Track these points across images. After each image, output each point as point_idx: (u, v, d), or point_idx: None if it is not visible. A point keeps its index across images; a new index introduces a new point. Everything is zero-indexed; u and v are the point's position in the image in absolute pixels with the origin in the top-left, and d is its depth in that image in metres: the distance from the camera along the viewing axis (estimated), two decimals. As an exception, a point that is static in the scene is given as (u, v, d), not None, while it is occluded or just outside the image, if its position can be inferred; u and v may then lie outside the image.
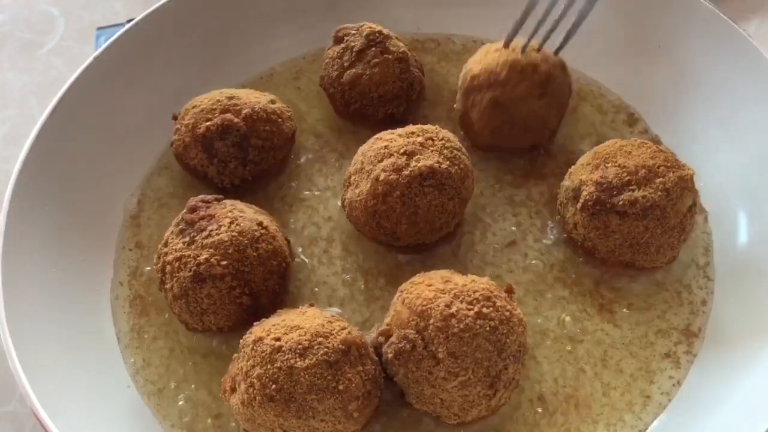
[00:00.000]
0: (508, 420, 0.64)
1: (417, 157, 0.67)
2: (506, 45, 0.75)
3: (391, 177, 0.66)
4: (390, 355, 0.59)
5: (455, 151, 0.69)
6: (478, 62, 0.76)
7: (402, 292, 0.62)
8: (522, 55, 0.73)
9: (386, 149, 0.68)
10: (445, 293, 0.59)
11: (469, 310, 0.57)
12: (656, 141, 0.80)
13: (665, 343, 0.68)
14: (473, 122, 0.76)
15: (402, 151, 0.67)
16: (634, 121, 0.82)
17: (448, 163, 0.67)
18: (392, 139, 0.69)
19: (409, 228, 0.68)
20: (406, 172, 0.66)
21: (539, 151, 0.79)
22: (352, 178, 0.71)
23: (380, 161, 0.68)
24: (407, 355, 0.58)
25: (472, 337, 0.56)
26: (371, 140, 0.71)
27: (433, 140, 0.69)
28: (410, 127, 0.71)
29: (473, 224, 0.76)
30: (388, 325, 0.61)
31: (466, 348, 0.56)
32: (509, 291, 0.62)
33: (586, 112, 0.83)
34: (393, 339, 0.59)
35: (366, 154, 0.70)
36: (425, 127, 0.71)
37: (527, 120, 0.74)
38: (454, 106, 0.81)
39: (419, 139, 0.69)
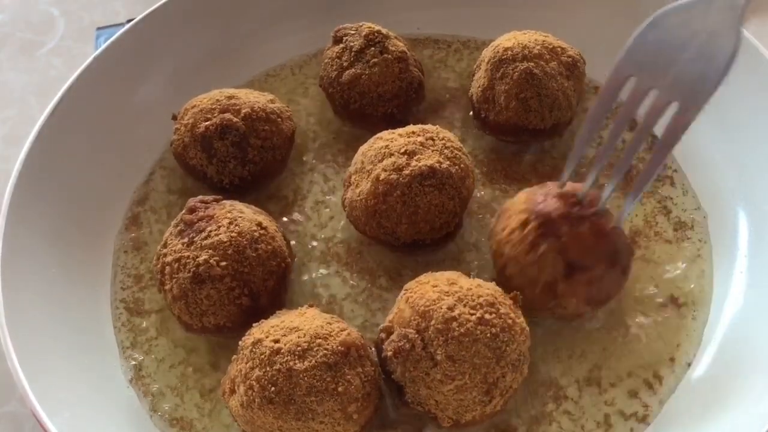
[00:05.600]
0: (509, 419, 0.65)
1: (417, 156, 0.67)
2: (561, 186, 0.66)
3: (392, 176, 0.66)
4: (389, 353, 0.59)
5: (456, 151, 0.69)
6: (509, 39, 0.76)
7: (407, 290, 0.62)
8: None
9: (387, 149, 0.68)
10: (449, 295, 0.58)
11: (472, 314, 0.57)
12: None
13: (666, 345, 0.68)
14: (499, 95, 0.75)
15: (402, 150, 0.67)
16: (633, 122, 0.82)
17: (448, 162, 0.67)
18: (393, 138, 0.69)
19: (409, 227, 0.68)
20: (406, 172, 0.66)
21: (559, 135, 0.78)
22: (353, 177, 0.71)
23: (381, 161, 0.68)
24: (406, 354, 0.58)
25: (472, 342, 0.56)
26: (372, 140, 0.71)
27: (433, 140, 0.69)
28: (411, 127, 0.71)
29: (475, 225, 0.76)
30: (390, 322, 0.61)
31: (465, 353, 0.56)
32: (515, 299, 0.61)
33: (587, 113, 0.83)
34: (393, 337, 0.59)
35: (366, 153, 0.70)
36: (426, 127, 0.71)
37: (556, 97, 0.74)
38: (473, 81, 0.79)
39: (420, 138, 0.68)
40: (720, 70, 0.54)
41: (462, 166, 0.69)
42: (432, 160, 0.67)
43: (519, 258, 0.63)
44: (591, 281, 0.62)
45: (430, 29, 0.92)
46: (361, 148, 0.72)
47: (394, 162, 0.67)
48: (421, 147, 0.68)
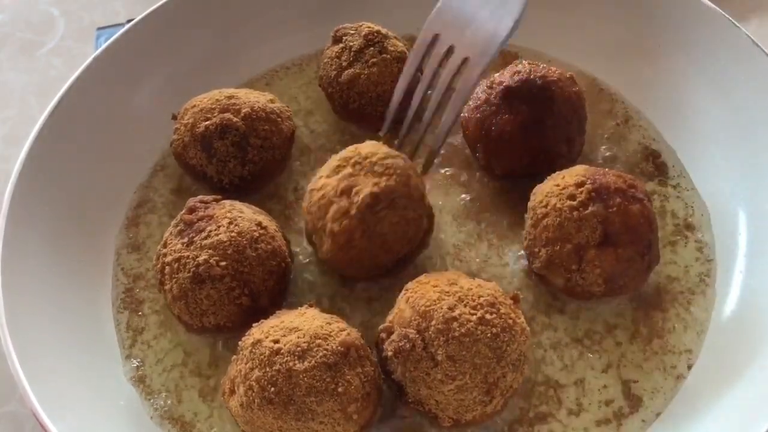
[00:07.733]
0: (509, 419, 0.65)
1: (354, 190, 0.65)
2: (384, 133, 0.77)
3: (344, 223, 0.65)
4: (389, 353, 0.59)
5: (383, 161, 0.66)
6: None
7: (407, 290, 0.62)
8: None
9: (323, 198, 0.66)
10: (449, 295, 0.58)
11: (472, 315, 0.57)
12: (650, 151, 0.79)
13: (667, 346, 0.68)
14: None
15: (339, 192, 0.66)
16: (629, 123, 0.82)
17: (384, 178, 0.65)
18: (323, 185, 0.67)
19: (388, 253, 0.67)
20: (353, 212, 0.64)
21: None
22: (314, 237, 0.69)
23: (326, 214, 0.66)
24: (406, 354, 0.58)
25: (473, 342, 0.56)
26: (307, 194, 0.69)
27: (360, 163, 0.67)
28: (332, 161, 0.69)
29: (477, 225, 0.75)
30: (390, 322, 0.61)
31: (466, 352, 0.56)
32: (515, 299, 0.61)
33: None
34: (393, 337, 0.59)
35: (310, 211, 0.68)
36: (344, 154, 0.68)
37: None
38: None
39: (347, 170, 0.67)
40: (506, 29, 0.68)
41: (398, 172, 0.66)
42: (368, 187, 0.65)
43: (563, 211, 0.64)
44: (619, 260, 0.63)
45: (430, 29, 0.91)
46: (303, 205, 0.70)
47: (338, 209, 0.65)
48: (351, 178, 0.66)
